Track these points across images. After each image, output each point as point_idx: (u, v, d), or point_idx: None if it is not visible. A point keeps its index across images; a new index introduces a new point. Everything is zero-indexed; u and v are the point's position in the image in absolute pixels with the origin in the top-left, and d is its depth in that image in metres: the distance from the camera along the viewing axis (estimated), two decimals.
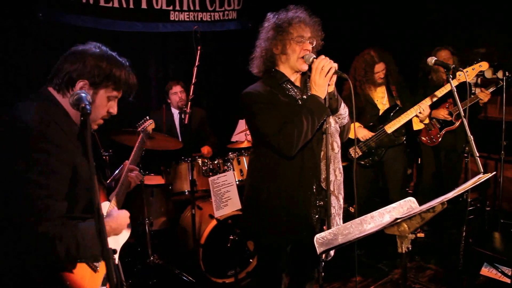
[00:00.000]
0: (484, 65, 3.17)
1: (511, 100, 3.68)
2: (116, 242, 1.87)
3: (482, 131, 4.02)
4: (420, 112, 3.31)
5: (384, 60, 3.49)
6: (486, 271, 3.11)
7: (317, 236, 1.52)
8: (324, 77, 1.90)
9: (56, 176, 1.40)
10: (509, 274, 2.74)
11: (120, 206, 1.97)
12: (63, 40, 3.75)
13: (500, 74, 3.43)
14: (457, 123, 3.65)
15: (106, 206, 1.84)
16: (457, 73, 3.14)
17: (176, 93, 4.10)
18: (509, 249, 2.76)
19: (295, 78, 2.12)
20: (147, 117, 2.76)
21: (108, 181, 2.09)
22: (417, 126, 3.48)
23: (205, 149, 4.01)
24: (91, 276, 1.60)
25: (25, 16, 3.66)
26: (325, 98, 1.95)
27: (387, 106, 3.51)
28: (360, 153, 3.44)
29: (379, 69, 3.48)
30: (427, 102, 3.32)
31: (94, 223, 1.33)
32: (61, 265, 1.48)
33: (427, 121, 3.42)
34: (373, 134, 3.44)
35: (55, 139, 1.42)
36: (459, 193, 1.64)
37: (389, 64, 3.51)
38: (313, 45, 2.03)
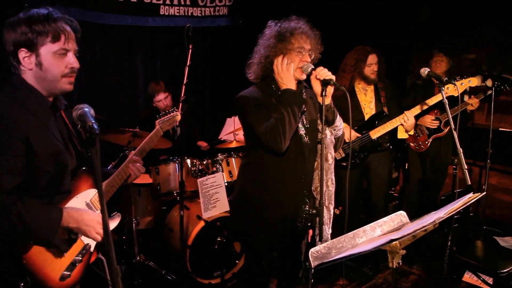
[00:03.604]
0: (473, 81, 3.16)
1: (498, 108, 3.73)
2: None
3: (468, 138, 4.08)
4: (404, 121, 3.25)
5: (377, 53, 3.38)
6: (468, 277, 3.19)
7: (312, 250, 1.55)
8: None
9: (3, 150, 1.45)
10: (490, 282, 2.81)
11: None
12: None
13: (489, 83, 3.46)
14: (446, 130, 3.67)
15: (90, 194, 1.78)
16: (446, 86, 3.12)
17: (161, 101, 3.89)
18: (490, 258, 2.82)
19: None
20: (175, 108, 2.51)
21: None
22: (401, 134, 3.45)
23: (203, 143, 4.14)
24: (55, 259, 1.61)
25: (10, 6, 3.52)
26: (321, 109, 1.92)
27: (374, 111, 3.45)
28: (343, 155, 3.44)
29: (372, 60, 3.36)
30: (415, 111, 3.27)
31: (51, 206, 1.53)
32: (12, 242, 1.51)
33: (412, 132, 3.39)
34: (358, 135, 3.43)
35: (3, 115, 1.48)
36: (451, 213, 1.67)
37: (381, 62, 3.39)
38: (312, 58, 2.04)
